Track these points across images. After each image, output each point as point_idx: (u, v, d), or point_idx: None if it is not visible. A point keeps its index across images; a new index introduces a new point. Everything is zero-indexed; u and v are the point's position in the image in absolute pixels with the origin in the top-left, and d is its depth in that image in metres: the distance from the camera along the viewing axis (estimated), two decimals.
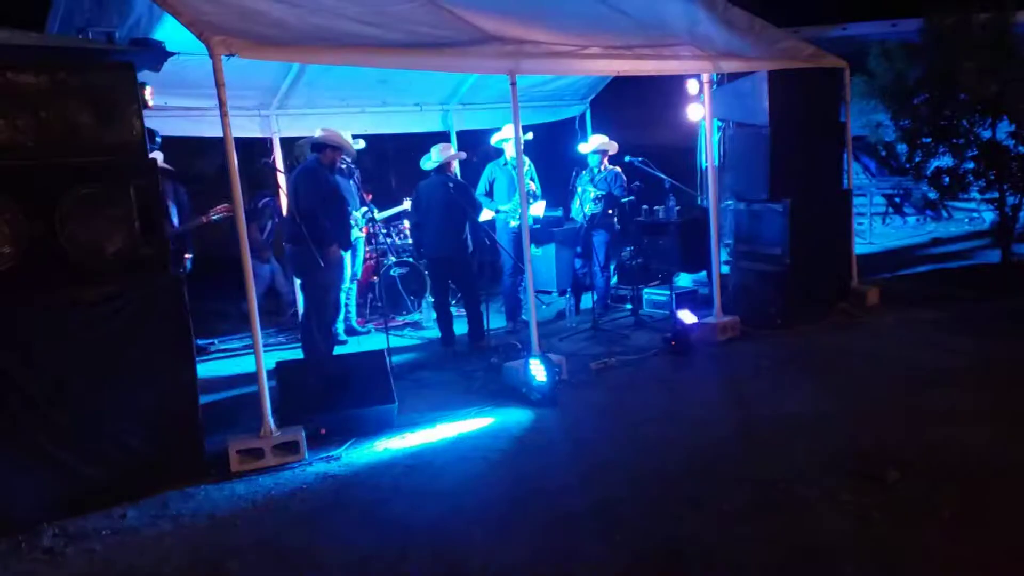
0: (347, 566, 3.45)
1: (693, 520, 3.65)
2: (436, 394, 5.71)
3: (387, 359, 5.45)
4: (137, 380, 4.21)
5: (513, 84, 5.38)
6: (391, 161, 9.75)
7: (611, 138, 7.66)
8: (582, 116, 9.04)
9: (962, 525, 3.45)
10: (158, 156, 6.24)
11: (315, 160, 6.15)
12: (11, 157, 3.86)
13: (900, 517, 3.54)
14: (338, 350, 6.67)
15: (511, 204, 7.17)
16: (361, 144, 7.17)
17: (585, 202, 7.40)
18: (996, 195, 8.53)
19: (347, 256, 6.67)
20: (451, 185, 6.58)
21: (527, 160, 7.38)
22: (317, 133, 6.22)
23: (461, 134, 8.51)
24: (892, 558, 3.24)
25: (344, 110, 7.45)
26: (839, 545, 3.36)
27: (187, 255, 6.67)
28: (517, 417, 5.16)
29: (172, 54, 4.48)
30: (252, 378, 4.73)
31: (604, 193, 7.38)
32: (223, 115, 4.31)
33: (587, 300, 7.76)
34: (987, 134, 8.41)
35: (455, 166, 6.75)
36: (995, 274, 8.46)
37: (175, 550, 3.66)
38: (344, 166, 6.73)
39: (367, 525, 3.81)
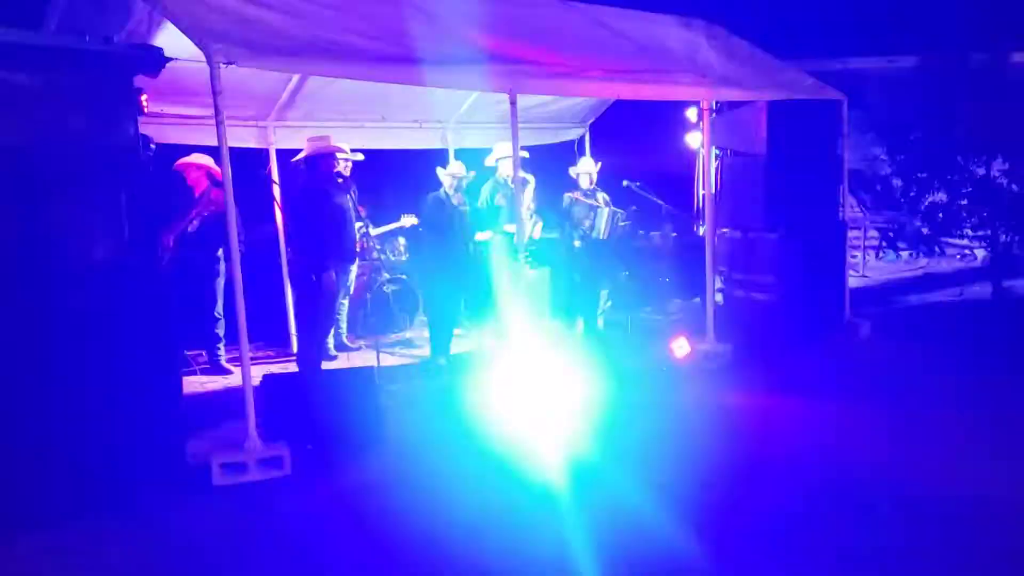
0: None
1: (686, 549, 3.58)
2: (425, 412, 5.63)
3: (377, 376, 5.39)
4: (120, 388, 4.13)
5: (513, 103, 5.38)
6: (388, 177, 9.71)
7: (610, 163, 7.67)
8: (581, 139, 9.04)
9: (954, 557, 3.40)
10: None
11: (313, 177, 6.13)
12: (1, 156, 3.79)
13: (892, 550, 3.48)
14: (327, 366, 6.61)
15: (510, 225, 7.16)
16: (360, 157, 7.15)
17: (597, 225, 7.40)
18: (988, 232, 8.57)
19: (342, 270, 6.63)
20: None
21: (531, 178, 7.38)
22: (304, 146, 6.22)
23: (459, 153, 8.50)
24: None
25: (343, 124, 7.42)
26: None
27: None
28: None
29: (170, 60, 4.44)
30: (239, 391, 4.65)
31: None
32: (219, 124, 4.27)
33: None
34: (981, 171, 8.46)
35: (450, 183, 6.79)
36: (986, 310, 8.47)
37: (150, 563, 3.57)
38: (341, 180, 6.70)
39: (351, 545, 3.72)
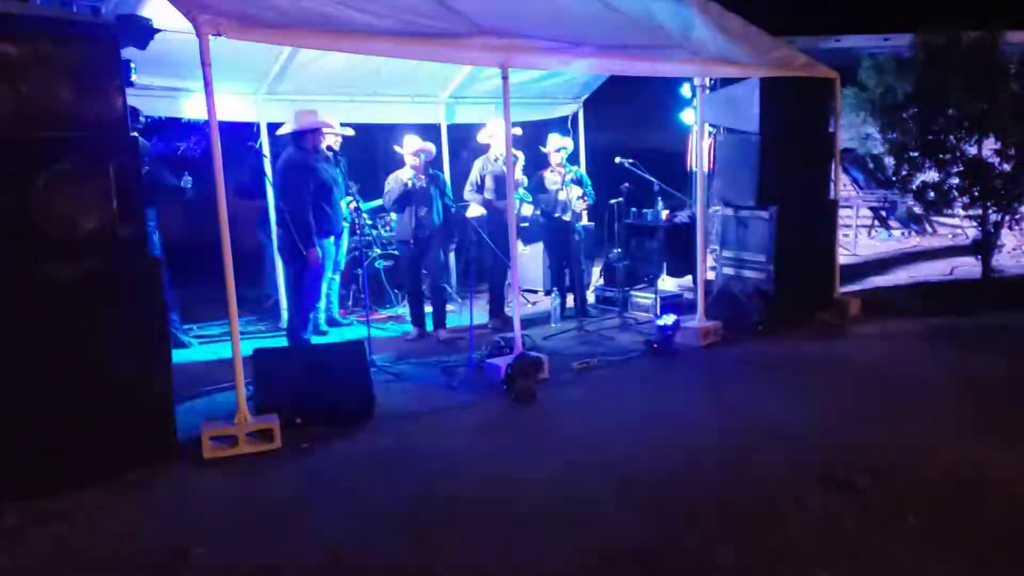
0: (316, 555, 3.40)
1: (663, 522, 3.63)
2: (415, 387, 5.68)
3: (367, 350, 5.41)
4: (110, 361, 4.14)
5: (505, 78, 5.36)
6: (381, 152, 9.68)
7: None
8: (574, 115, 9.01)
9: (928, 532, 3.46)
10: None
11: (300, 151, 6.12)
12: None
13: (869, 523, 3.55)
14: (318, 341, 6.63)
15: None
16: (350, 132, 7.13)
17: (572, 200, 7.43)
18: (979, 211, 8.60)
19: (331, 245, 6.63)
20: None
21: (521, 155, 7.37)
22: (288, 122, 6.21)
23: (452, 128, 8.47)
24: (858, 562, 3.25)
25: (334, 98, 7.38)
26: (808, 548, 3.36)
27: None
28: (495, 414, 5.13)
29: (158, 31, 4.41)
30: (229, 364, 4.67)
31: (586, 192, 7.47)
32: (209, 96, 4.25)
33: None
34: (973, 151, 8.48)
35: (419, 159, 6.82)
36: (976, 289, 8.53)
37: (141, 534, 3.60)
38: (331, 153, 6.69)
39: (339, 516, 3.76)
